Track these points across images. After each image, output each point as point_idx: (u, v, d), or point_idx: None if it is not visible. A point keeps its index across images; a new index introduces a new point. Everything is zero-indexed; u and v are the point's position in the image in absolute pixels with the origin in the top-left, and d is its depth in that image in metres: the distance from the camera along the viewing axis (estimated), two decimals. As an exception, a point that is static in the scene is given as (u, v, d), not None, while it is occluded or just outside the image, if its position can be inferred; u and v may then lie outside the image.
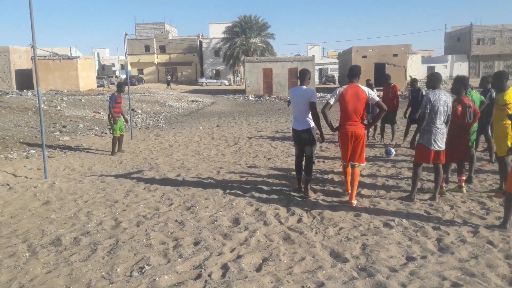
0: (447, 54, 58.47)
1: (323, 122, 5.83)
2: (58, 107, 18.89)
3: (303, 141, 5.87)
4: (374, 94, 5.69)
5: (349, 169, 5.78)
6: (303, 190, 6.04)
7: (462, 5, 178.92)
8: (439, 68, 53.21)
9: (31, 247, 4.30)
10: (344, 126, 5.55)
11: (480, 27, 54.25)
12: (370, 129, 10.99)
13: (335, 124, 5.98)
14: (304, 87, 5.82)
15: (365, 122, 5.81)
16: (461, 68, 53.43)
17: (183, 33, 76.24)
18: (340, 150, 5.77)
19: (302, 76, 5.91)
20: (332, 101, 5.55)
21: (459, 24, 60.94)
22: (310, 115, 5.79)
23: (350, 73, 5.71)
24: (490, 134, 7.77)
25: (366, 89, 5.55)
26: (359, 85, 5.61)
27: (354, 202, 5.54)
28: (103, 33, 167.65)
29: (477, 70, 54.43)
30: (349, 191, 5.77)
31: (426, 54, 68.05)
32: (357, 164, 5.60)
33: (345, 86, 5.60)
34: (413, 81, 10.42)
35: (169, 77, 51.26)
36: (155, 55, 60.15)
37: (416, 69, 46.21)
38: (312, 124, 5.83)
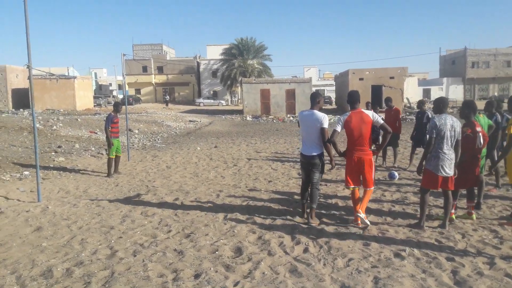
0: (442, 77, 59.12)
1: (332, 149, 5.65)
2: (54, 127, 18.65)
3: (312, 166, 5.66)
4: (378, 117, 5.59)
5: (358, 194, 5.62)
6: (307, 217, 5.80)
7: (457, 29, 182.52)
8: (435, 90, 53.74)
9: (20, 279, 4.02)
10: (351, 152, 5.46)
11: (474, 51, 55.06)
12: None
13: (343, 149, 5.81)
14: (315, 111, 5.63)
15: (373, 147, 5.67)
16: (457, 91, 53.96)
17: (180, 54, 76.89)
18: (346, 175, 5.58)
19: (312, 99, 5.75)
20: (339, 129, 5.45)
21: (453, 48, 61.88)
22: (320, 141, 5.60)
23: (351, 100, 5.63)
24: (496, 159, 7.61)
25: (370, 113, 5.51)
26: (362, 110, 5.56)
27: (361, 215, 5.48)
28: (101, 53, 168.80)
29: (472, 92, 54.95)
30: (359, 221, 5.60)
31: (421, 76, 68.78)
32: (369, 188, 5.56)
33: (348, 113, 5.50)
34: (420, 103, 10.31)
35: (167, 97, 51.32)
36: (153, 75, 60.37)
37: (413, 92, 46.59)
38: (323, 150, 5.64)
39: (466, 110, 5.69)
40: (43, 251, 4.79)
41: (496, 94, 50.58)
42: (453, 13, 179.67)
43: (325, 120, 5.53)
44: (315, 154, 5.60)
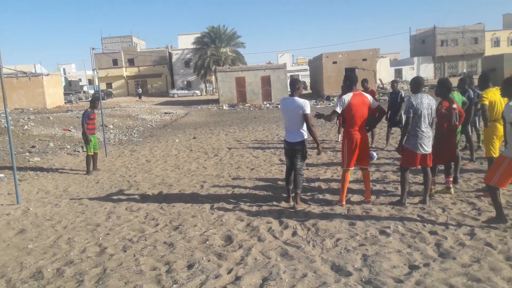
0: (413, 56, 60.23)
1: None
2: (26, 127, 18.10)
3: (295, 153, 5.72)
4: (374, 100, 5.75)
5: (349, 176, 5.82)
6: (293, 203, 5.89)
7: (425, 8, 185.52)
8: (406, 70, 54.75)
9: (10, 283, 3.95)
10: (352, 133, 5.57)
11: (443, 29, 56.25)
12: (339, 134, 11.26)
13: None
14: (296, 98, 5.67)
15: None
16: (427, 69, 55.15)
17: (151, 45, 75.65)
18: (346, 157, 5.67)
19: (292, 86, 5.78)
20: (339, 110, 5.54)
21: (423, 27, 63.01)
22: (304, 127, 5.66)
23: (351, 81, 5.76)
24: (470, 134, 7.90)
25: (368, 95, 5.70)
26: (361, 92, 5.73)
27: (371, 199, 5.87)
28: (69, 49, 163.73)
29: (442, 70, 56.30)
30: (343, 202, 5.74)
31: (393, 57, 69.88)
32: (367, 167, 5.80)
33: (351, 94, 5.57)
34: (393, 83, 10.52)
35: (140, 90, 50.45)
36: (124, 68, 59.13)
37: (385, 72, 47.33)
38: (306, 136, 5.70)
39: (442, 88, 5.85)
40: (29, 253, 4.71)
41: (465, 71, 51.97)
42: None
43: (307, 106, 5.57)
44: (298, 140, 5.66)
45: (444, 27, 56.59)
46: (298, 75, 64.63)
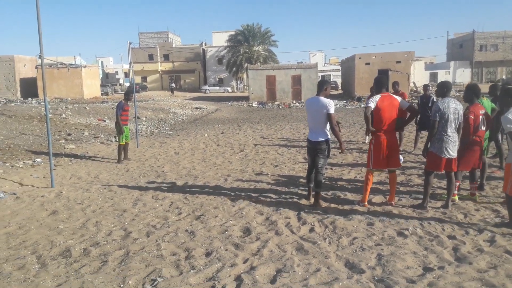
0: (449, 61, 58.44)
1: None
2: (63, 115, 18.91)
3: (318, 152, 5.79)
4: (404, 102, 5.74)
5: (372, 177, 5.86)
6: (313, 201, 5.97)
7: (464, 12, 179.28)
8: (442, 74, 53.17)
9: (41, 259, 4.24)
10: (380, 133, 5.61)
11: (483, 34, 54.24)
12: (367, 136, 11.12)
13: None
14: (321, 97, 5.73)
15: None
16: (464, 74, 53.39)
17: (186, 42, 76.66)
18: (372, 157, 5.70)
19: (319, 86, 5.86)
20: (372, 105, 5.54)
21: (461, 31, 61.00)
22: (327, 127, 5.72)
23: (381, 84, 5.77)
24: (500, 141, 7.70)
25: (398, 98, 5.71)
26: (391, 94, 5.75)
27: (394, 202, 5.83)
28: (107, 42, 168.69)
29: (480, 76, 54.34)
30: (366, 202, 5.77)
31: (429, 60, 68.01)
32: (396, 168, 5.79)
33: (379, 96, 5.61)
34: (425, 86, 10.35)
35: (173, 84, 51.41)
36: (159, 63, 60.38)
37: (419, 76, 46.16)
38: (329, 136, 5.77)
39: (469, 94, 5.77)
40: (60, 233, 5.01)
41: (504, 77, 50.00)
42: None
43: (331, 105, 5.61)
44: (321, 139, 5.73)
45: (483, 31, 54.56)
46: (330, 75, 64.09)
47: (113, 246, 4.53)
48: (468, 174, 6.17)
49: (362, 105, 28.70)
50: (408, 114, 5.94)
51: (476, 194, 5.99)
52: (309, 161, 6.04)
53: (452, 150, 5.42)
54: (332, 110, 5.61)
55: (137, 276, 3.77)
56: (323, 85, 5.80)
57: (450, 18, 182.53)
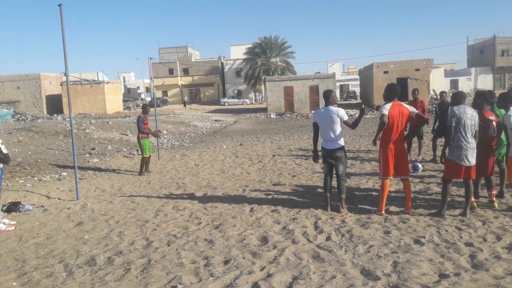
0: (470, 67, 57.48)
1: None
2: (87, 130, 19.50)
3: (335, 160, 5.92)
4: (414, 108, 5.81)
5: (388, 185, 5.87)
6: (339, 206, 6.06)
7: (484, 17, 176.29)
8: (462, 81, 52.33)
9: (68, 267, 4.45)
10: (389, 142, 5.69)
11: (504, 39, 53.25)
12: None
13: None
14: (331, 107, 5.89)
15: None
16: (486, 81, 52.37)
17: (205, 55, 77.89)
18: (382, 166, 5.78)
19: (325, 97, 6.07)
20: (387, 113, 5.62)
21: (481, 36, 60.02)
22: (340, 135, 5.89)
23: (393, 92, 5.81)
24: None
25: (408, 106, 5.79)
26: (401, 103, 5.79)
27: (411, 211, 5.83)
28: (128, 58, 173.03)
29: (503, 82, 53.18)
30: (383, 211, 5.81)
31: (449, 67, 67.03)
32: (406, 177, 5.81)
33: (390, 104, 5.69)
34: (441, 93, 10.31)
35: (185, 98, 52.12)
36: (179, 77, 61.55)
37: (439, 83, 45.47)
38: (343, 143, 5.95)
39: (479, 100, 5.81)
40: (85, 243, 5.23)
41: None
42: (480, 0, 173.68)
43: (343, 112, 5.88)
44: (336, 147, 5.85)
45: (505, 36, 53.54)
46: (348, 84, 63.94)
47: (135, 254, 4.71)
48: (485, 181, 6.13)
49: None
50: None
51: (495, 202, 5.94)
52: (326, 169, 6.14)
53: (471, 157, 5.42)
54: (345, 117, 5.86)
55: (158, 283, 3.92)
56: (328, 96, 6.04)
57: (470, 23, 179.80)
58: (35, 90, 40.07)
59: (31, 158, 12.56)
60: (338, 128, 5.85)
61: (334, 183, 6.21)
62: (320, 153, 6.22)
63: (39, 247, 5.15)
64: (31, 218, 6.53)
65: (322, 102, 34.29)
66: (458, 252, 4.37)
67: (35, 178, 9.74)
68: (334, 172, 6.11)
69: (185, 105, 48.67)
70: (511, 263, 4.02)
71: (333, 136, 5.86)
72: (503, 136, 6.09)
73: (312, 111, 33.83)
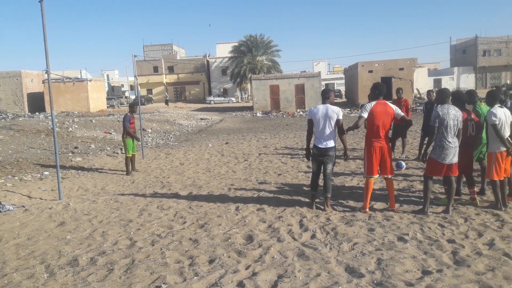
0: (453, 67, 58.47)
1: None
2: (70, 129, 19.18)
3: (326, 158, 5.93)
4: (399, 110, 5.84)
5: (372, 184, 5.92)
6: (323, 207, 6.08)
7: (467, 17, 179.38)
8: (445, 80, 53.17)
9: (49, 268, 4.36)
10: (372, 141, 5.72)
11: (486, 39, 54.28)
12: None
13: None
14: (329, 105, 5.92)
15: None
16: (468, 80, 53.32)
17: (190, 53, 77.31)
18: (366, 164, 5.83)
19: (323, 95, 6.07)
20: (365, 115, 5.69)
21: (464, 37, 61.07)
22: (335, 133, 5.91)
23: (378, 91, 5.85)
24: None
25: (393, 106, 5.80)
26: (387, 102, 5.82)
27: (395, 208, 5.91)
28: (112, 55, 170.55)
29: (484, 81, 54.26)
30: (367, 209, 5.85)
31: (432, 67, 68.05)
32: (390, 176, 5.85)
33: (374, 103, 5.73)
34: (428, 92, 10.44)
35: (167, 96, 51.64)
36: (164, 75, 61.02)
37: (423, 82, 46.23)
38: (335, 142, 5.97)
39: (455, 101, 5.90)
40: (67, 243, 5.14)
41: (508, 81, 49.87)
42: (463, 1, 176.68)
43: (340, 112, 5.93)
44: (330, 146, 5.87)
45: (486, 36, 54.62)
46: (334, 83, 64.36)
47: (119, 255, 4.65)
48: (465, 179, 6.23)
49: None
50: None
51: (476, 199, 6.04)
52: (315, 168, 6.14)
53: (453, 155, 5.50)
54: (341, 117, 5.89)
55: (142, 283, 3.88)
56: (326, 94, 6.03)
57: (453, 24, 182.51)
58: (16, 87, 39.23)
59: (12, 157, 12.30)
60: (335, 127, 5.87)
61: (320, 182, 6.22)
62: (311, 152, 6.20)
63: (19, 248, 5.04)
64: (11, 218, 6.39)
65: (307, 100, 34.61)
66: (440, 249, 4.43)
67: (16, 178, 9.54)
68: (321, 170, 6.13)
69: (167, 103, 48.21)
70: (492, 259, 4.09)
71: (329, 134, 5.86)
72: (484, 134, 6.20)
73: (298, 110, 33.97)
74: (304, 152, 6.51)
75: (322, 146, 5.92)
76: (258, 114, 33.46)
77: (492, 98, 5.94)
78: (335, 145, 5.96)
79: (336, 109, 5.89)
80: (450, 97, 5.85)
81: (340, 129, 5.90)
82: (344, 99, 47.97)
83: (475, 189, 6.08)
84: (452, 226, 5.14)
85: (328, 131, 5.86)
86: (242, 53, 53.16)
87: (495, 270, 3.84)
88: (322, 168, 6.08)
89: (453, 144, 5.50)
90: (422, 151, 5.88)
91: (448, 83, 51.04)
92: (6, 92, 39.20)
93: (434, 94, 10.44)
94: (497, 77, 54.48)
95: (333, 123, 5.84)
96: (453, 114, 5.50)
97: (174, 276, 4.01)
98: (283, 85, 35.30)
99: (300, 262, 4.23)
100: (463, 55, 58.67)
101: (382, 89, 5.89)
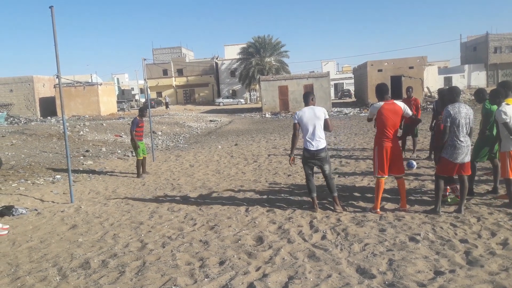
0: (463, 64, 57.79)
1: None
2: (81, 132, 19.39)
3: (321, 161, 5.92)
4: (408, 109, 5.80)
5: (383, 183, 5.86)
6: (333, 207, 6.05)
7: (477, 14, 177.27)
8: (456, 78, 52.57)
9: (61, 270, 4.41)
10: (382, 140, 5.69)
11: (497, 36, 53.53)
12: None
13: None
14: (314, 106, 6.01)
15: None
16: (479, 78, 52.67)
17: (199, 56, 77.75)
18: (376, 164, 5.78)
19: (305, 98, 6.15)
20: (375, 112, 5.74)
21: (474, 34, 60.32)
22: (322, 134, 5.93)
23: (382, 92, 5.83)
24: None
25: (402, 104, 5.76)
26: (394, 101, 5.80)
27: (407, 208, 5.85)
28: (122, 59, 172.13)
29: (496, 78, 53.47)
30: (378, 209, 5.81)
31: (442, 65, 67.30)
32: (401, 175, 5.81)
33: (381, 103, 5.70)
34: (440, 91, 10.32)
35: (167, 99, 51.49)
36: (173, 78, 61.39)
37: (433, 80, 45.73)
38: (326, 142, 6.02)
39: (443, 100, 5.86)
40: (79, 246, 5.19)
41: (521, 79, 49.14)
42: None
43: (326, 112, 6.08)
44: (322, 147, 5.89)
45: (498, 33, 53.84)
46: (343, 83, 64.09)
47: (130, 257, 4.68)
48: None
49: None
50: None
51: (447, 196, 6.16)
52: (308, 171, 6.10)
53: (465, 154, 5.44)
54: (328, 116, 6.02)
55: (153, 285, 3.90)
56: (309, 96, 6.13)
57: (463, 21, 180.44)
58: (28, 92, 39.83)
59: (25, 161, 12.47)
60: (323, 127, 5.92)
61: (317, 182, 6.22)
62: (300, 156, 6.21)
63: (32, 251, 5.10)
64: (24, 221, 6.47)
65: (317, 100, 34.45)
66: (453, 249, 4.38)
67: (29, 181, 9.67)
68: (316, 171, 6.14)
69: (167, 107, 47.93)
70: (505, 259, 4.03)
71: (319, 135, 5.87)
72: (495, 132, 6.12)
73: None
74: (289, 157, 6.41)
75: (313, 149, 5.88)
76: (267, 115, 33.46)
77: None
78: (325, 146, 5.96)
79: (322, 109, 6.01)
80: (460, 95, 5.78)
81: (330, 127, 6.02)
82: (353, 99, 47.72)
83: (453, 187, 6.12)
84: (464, 225, 5.08)
85: (318, 132, 5.88)
86: (250, 54, 53.25)
87: (509, 270, 3.78)
88: (314, 169, 6.13)
89: (465, 143, 5.43)
90: (435, 154, 5.83)
91: (459, 81, 50.51)
92: (19, 97, 39.82)
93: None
94: (509, 74, 53.64)
95: (322, 124, 5.89)
96: (464, 113, 5.43)
97: (184, 278, 4.02)
98: (292, 85, 35.25)
99: (310, 263, 4.21)
100: (474, 52, 57.95)
101: (384, 88, 5.83)
